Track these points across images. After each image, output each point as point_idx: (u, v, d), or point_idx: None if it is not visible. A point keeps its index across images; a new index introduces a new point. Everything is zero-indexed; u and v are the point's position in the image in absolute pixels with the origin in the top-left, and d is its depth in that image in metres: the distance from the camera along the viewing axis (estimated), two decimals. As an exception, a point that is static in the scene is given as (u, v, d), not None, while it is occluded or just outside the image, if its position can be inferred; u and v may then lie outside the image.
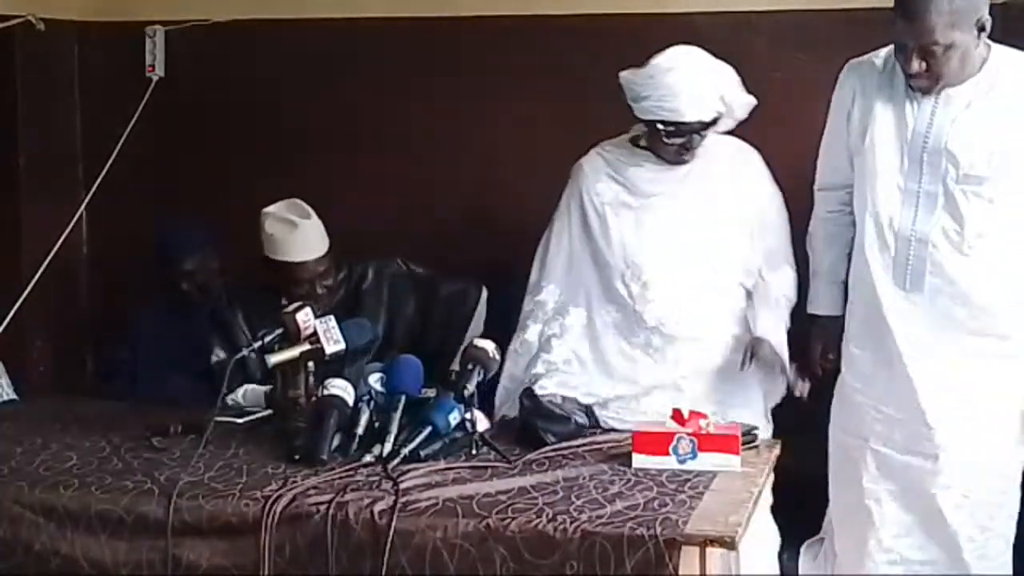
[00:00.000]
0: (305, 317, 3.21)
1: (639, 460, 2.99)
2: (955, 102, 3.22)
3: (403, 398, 3.12)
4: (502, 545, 2.65)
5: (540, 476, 2.93)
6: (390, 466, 2.93)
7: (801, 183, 3.55)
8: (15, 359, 4.03)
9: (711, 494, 2.82)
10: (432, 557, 2.68)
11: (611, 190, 3.49)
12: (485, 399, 3.15)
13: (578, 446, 3.13)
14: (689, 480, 2.90)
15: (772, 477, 3.44)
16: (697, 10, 4.11)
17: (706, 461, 2.96)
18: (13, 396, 3.81)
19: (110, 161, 4.51)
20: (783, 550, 3.42)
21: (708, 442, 2.97)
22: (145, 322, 4.22)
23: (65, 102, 4.64)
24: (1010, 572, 3.40)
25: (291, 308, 3.24)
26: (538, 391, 3.34)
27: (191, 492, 2.85)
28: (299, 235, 3.59)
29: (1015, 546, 3.41)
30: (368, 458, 2.99)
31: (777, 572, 3.39)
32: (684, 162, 3.42)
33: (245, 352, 3.23)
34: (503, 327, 3.67)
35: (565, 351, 3.46)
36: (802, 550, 3.62)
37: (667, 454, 2.97)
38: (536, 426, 3.17)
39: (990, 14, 3.13)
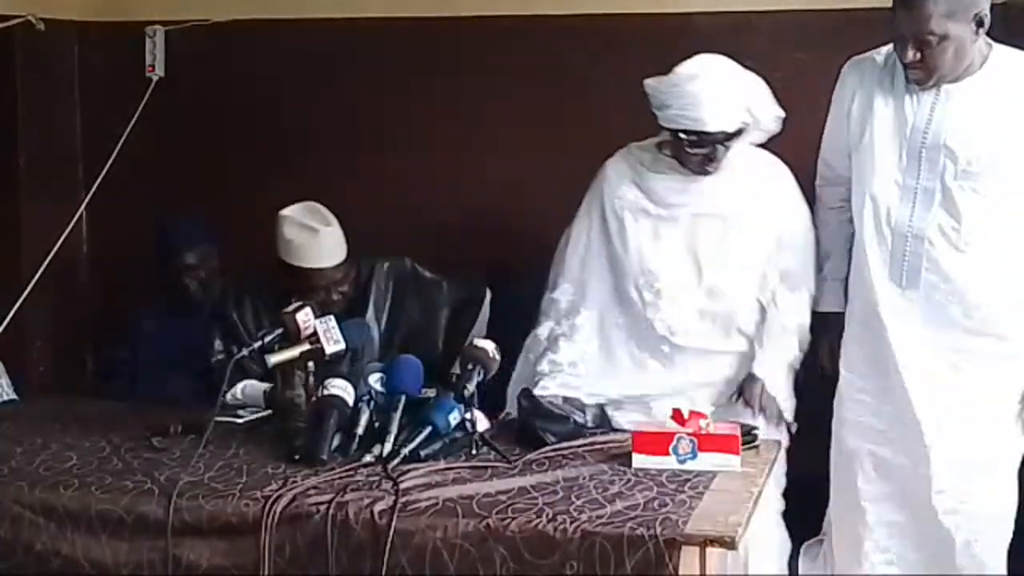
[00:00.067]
0: (305, 317, 3.21)
1: (639, 460, 2.98)
2: (955, 98, 3.23)
3: (403, 398, 3.12)
4: (502, 545, 2.65)
5: (540, 476, 2.93)
6: (390, 466, 2.93)
7: (801, 182, 3.54)
8: (15, 359, 4.02)
9: (711, 494, 2.82)
10: (432, 557, 2.68)
11: (632, 196, 3.44)
12: (485, 399, 3.15)
13: (578, 446, 3.13)
14: (689, 480, 2.89)
15: (784, 482, 3.45)
16: (697, 10, 4.11)
17: (706, 461, 2.96)
18: (13, 396, 3.80)
19: (110, 161, 4.51)
20: (793, 556, 3.43)
21: (708, 442, 2.97)
22: (145, 322, 4.21)
23: (65, 102, 4.64)
24: (1004, 574, 3.41)
25: (291, 308, 3.23)
26: (539, 392, 3.34)
27: (191, 492, 2.85)
28: (319, 242, 3.55)
29: (1010, 547, 3.42)
30: (368, 458, 2.99)
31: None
32: (708, 173, 3.35)
33: (245, 352, 3.22)
34: (503, 327, 3.67)
35: (572, 353, 3.44)
36: (802, 551, 3.63)
37: (667, 454, 2.97)
38: (535, 426, 3.17)
39: (990, 14, 3.14)
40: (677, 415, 3.04)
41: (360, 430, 3.07)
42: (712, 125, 3.25)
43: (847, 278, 3.47)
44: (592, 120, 4.16)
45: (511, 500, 2.78)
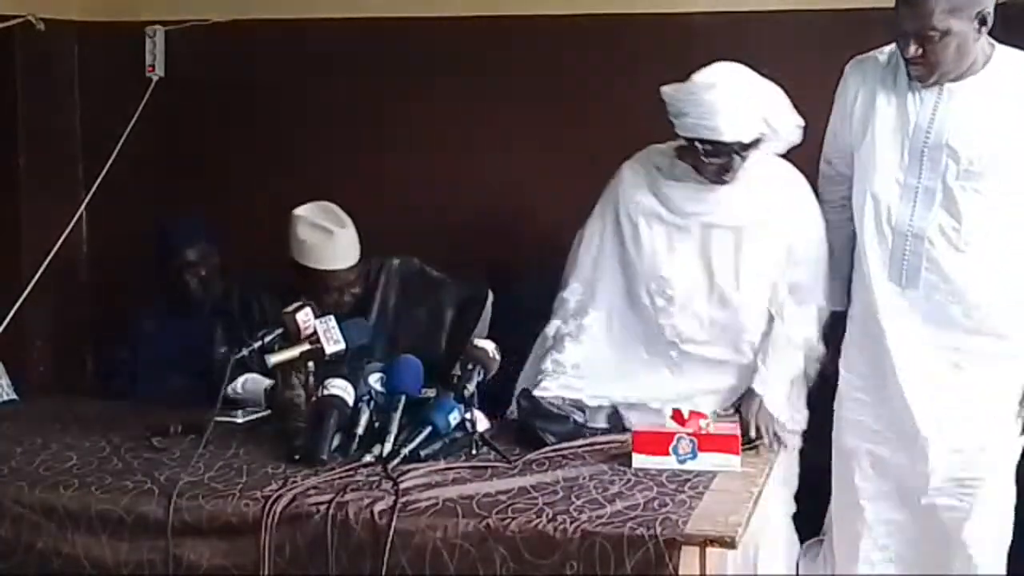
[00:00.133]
0: (305, 317, 3.21)
1: (639, 460, 2.99)
2: (958, 98, 3.23)
3: (403, 398, 3.12)
4: (502, 545, 2.65)
5: (540, 476, 2.93)
6: (390, 466, 2.93)
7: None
8: (15, 359, 4.03)
9: (711, 494, 2.82)
10: (432, 557, 2.68)
11: (647, 202, 3.41)
12: (485, 399, 3.15)
13: (578, 446, 3.13)
14: (689, 480, 2.90)
15: (796, 484, 3.44)
16: (697, 10, 4.10)
17: (706, 461, 2.96)
18: (13, 396, 3.81)
19: (110, 161, 4.51)
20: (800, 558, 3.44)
21: (708, 442, 2.97)
22: (145, 322, 4.21)
23: (65, 102, 4.64)
24: (1004, 572, 3.41)
25: (291, 308, 3.23)
26: (540, 392, 3.34)
27: (191, 492, 2.85)
28: (334, 243, 3.53)
29: (1010, 547, 3.42)
30: (368, 458, 2.99)
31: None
32: (724, 183, 3.32)
33: (245, 352, 3.22)
34: (504, 327, 3.67)
35: (576, 354, 3.42)
36: (802, 550, 3.63)
37: (667, 454, 2.97)
38: (535, 426, 3.17)
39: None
40: (677, 415, 3.04)
41: (360, 430, 3.07)
42: (728, 135, 3.22)
43: (849, 277, 3.46)
44: (592, 120, 4.16)
45: (511, 500, 2.78)
